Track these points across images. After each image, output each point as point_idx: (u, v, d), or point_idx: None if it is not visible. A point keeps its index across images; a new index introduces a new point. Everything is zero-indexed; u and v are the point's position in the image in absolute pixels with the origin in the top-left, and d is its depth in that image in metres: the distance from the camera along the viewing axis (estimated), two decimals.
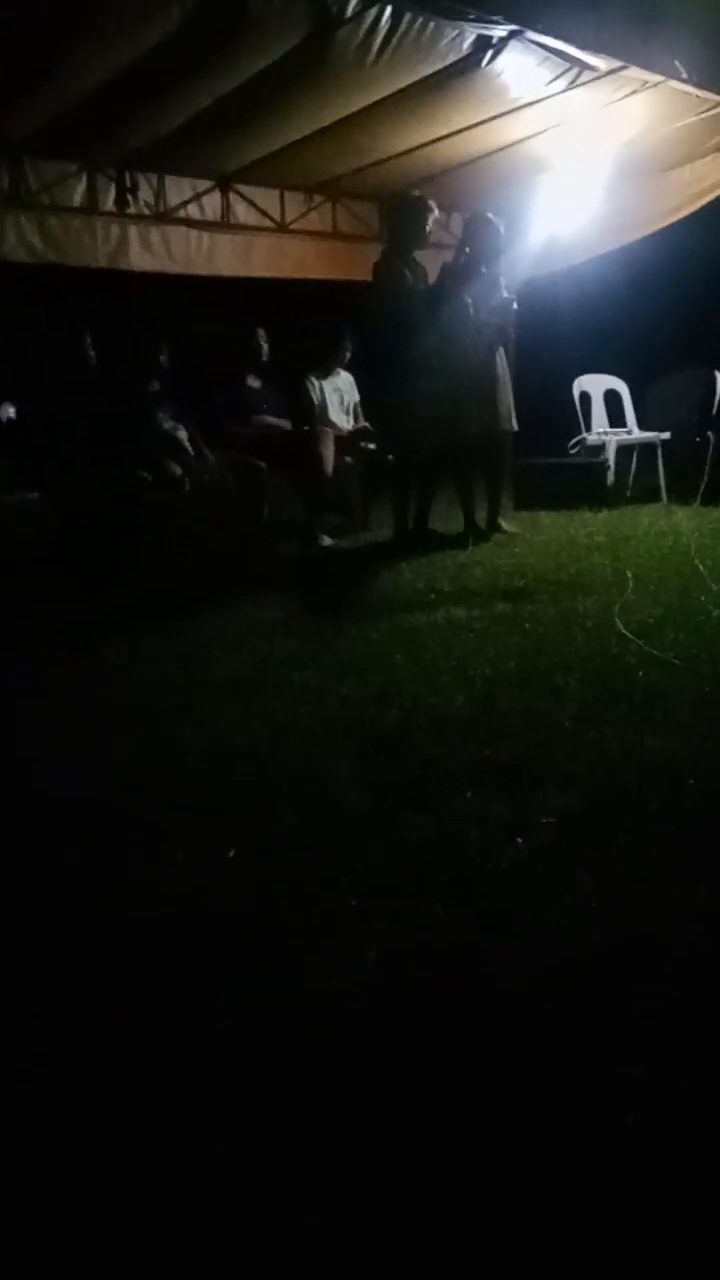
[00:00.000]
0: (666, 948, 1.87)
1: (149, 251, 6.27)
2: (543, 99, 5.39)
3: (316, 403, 6.81)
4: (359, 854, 2.26)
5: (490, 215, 6.06)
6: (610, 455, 7.39)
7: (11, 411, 5.58)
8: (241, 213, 6.64)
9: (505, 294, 6.08)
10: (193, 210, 6.41)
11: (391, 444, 6.37)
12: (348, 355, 6.96)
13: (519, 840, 2.29)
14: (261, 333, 6.68)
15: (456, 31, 4.55)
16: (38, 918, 2.07)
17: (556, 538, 6.01)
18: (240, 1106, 1.53)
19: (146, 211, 6.17)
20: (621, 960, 1.83)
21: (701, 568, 4.84)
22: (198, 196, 6.40)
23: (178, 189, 6.29)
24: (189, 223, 6.41)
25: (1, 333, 3.97)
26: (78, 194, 5.87)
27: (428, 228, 5.95)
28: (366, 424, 6.95)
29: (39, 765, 2.88)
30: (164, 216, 6.27)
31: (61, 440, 5.33)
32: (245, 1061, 1.62)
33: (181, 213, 6.35)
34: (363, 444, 6.82)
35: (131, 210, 6.08)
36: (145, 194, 6.12)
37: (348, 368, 7.05)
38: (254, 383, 6.67)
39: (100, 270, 6.08)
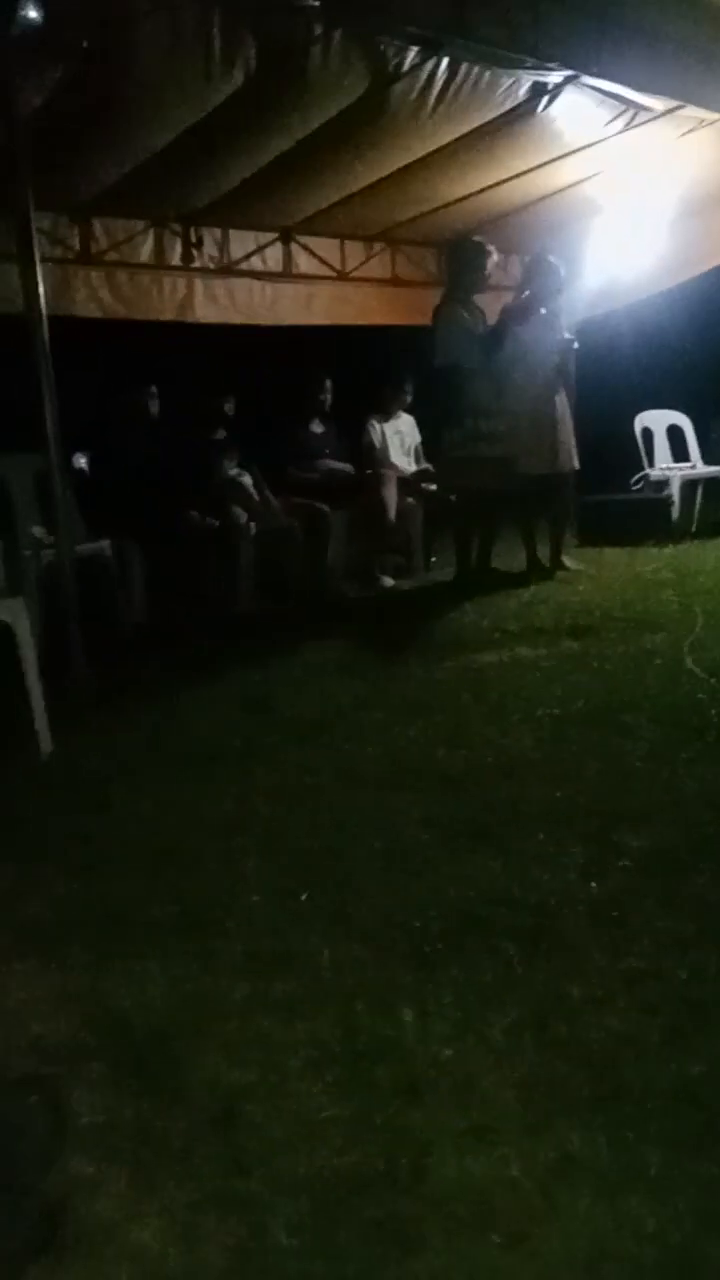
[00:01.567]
0: None
1: (214, 303, 6.43)
2: (600, 141, 5.43)
3: (378, 445, 6.88)
4: (432, 896, 2.25)
5: (550, 257, 6.09)
6: (674, 490, 7.33)
7: (83, 461, 5.73)
8: (303, 262, 6.78)
9: (565, 334, 6.10)
10: (256, 262, 6.56)
11: (451, 484, 6.39)
12: (408, 398, 7.04)
13: (593, 883, 2.27)
14: (325, 379, 6.78)
15: (513, 79, 4.61)
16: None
17: (622, 574, 5.97)
18: None
19: (211, 265, 6.34)
20: (704, 1007, 1.79)
21: None
22: (261, 249, 6.56)
23: (241, 242, 6.45)
24: (253, 274, 6.56)
25: (74, 385, 4.11)
26: (145, 250, 6.06)
27: (487, 272, 6.00)
28: (428, 465, 7.00)
29: (112, 807, 2.93)
30: (228, 269, 6.43)
31: (130, 489, 5.45)
32: None
33: (245, 265, 6.50)
34: (424, 485, 6.86)
35: (197, 264, 6.25)
36: (210, 248, 6.28)
37: (409, 410, 7.12)
38: (317, 428, 6.76)
39: (167, 322, 6.24)
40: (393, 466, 6.81)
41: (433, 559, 6.95)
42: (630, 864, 2.34)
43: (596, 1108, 1.56)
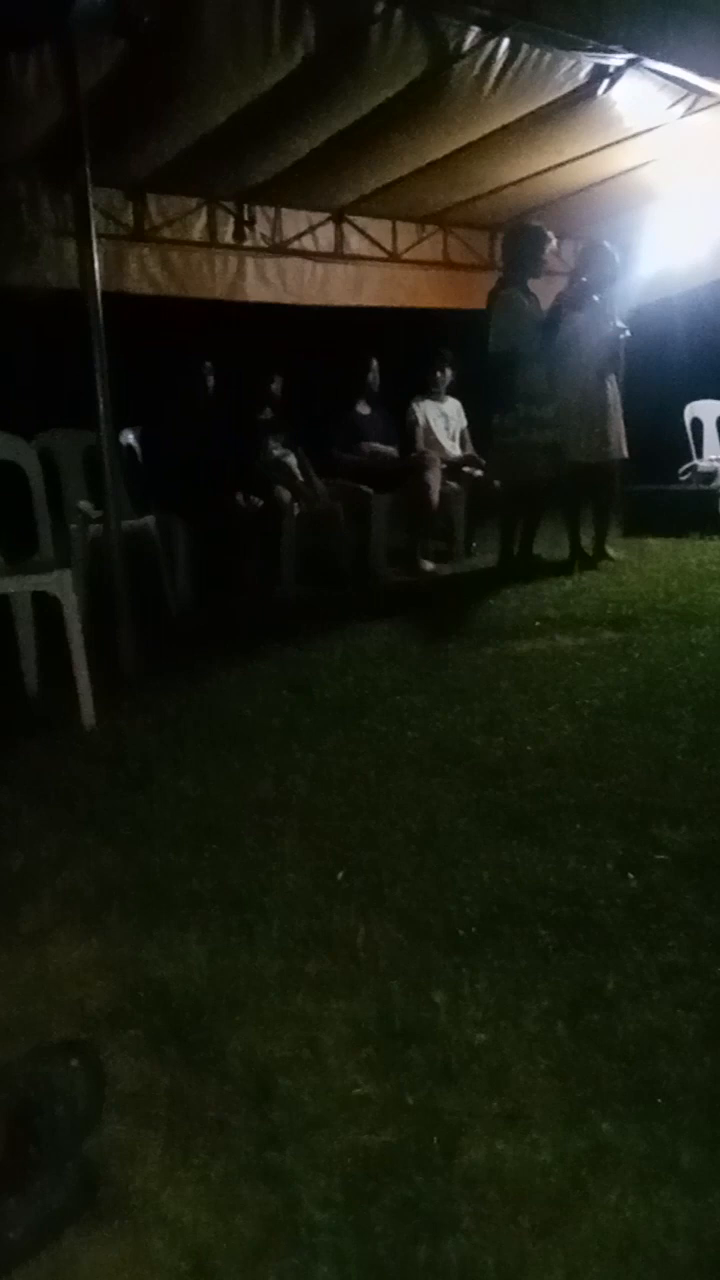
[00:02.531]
0: None
1: (265, 282, 6.44)
2: (659, 126, 5.36)
3: (421, 427, 6.85)
4: (468, 882, 2.26)
5: (606, 243, 6.02)
6: None
7: (132, 437, 5.76)
8: (355, 243, 6.76)
9: (617, 321, 6.04)
10: (307, 242, 6.56)
11: (499, 470, 6.36)
12: (448, 378, 6.98)
13: (631, 876, 2.26)
14: (372, 361, 6.76)
15: (573, 61, 4.56)
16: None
17: (666, 566, 5.92)
18: None
19: (263, 244, 6.34)
20: None
21: None
22: (313, 228, 6.55)
23: (294, 221, 6.45)
24: (304, 254, 6.56)
25: (124, 362, 4.14)
26: (198, 228, 6.07)
27: (544, 257, 5.94)
28: (473, 453, 6.97)
29: (154, 782, 2.96)
30: (280, 248, 6.43)
31: (177, 467, 5.48)
32: None
33: (297, 244, 6.50)
34: (468, 469, 6.84)
35: (249, 243, 6.25)
36: (263, 227, 6.29)
37: (455, 394, 7.09)
38: (363, 409, 6.75)
39: (218, 301, 6.25)
40: (437, 449, 6.78)
41: (474, 544, 6.93)
42: (669, 859, 2.33)
43: (629, 1100, 1.57)
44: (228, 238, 6.19)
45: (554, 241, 6.00)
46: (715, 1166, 1.42)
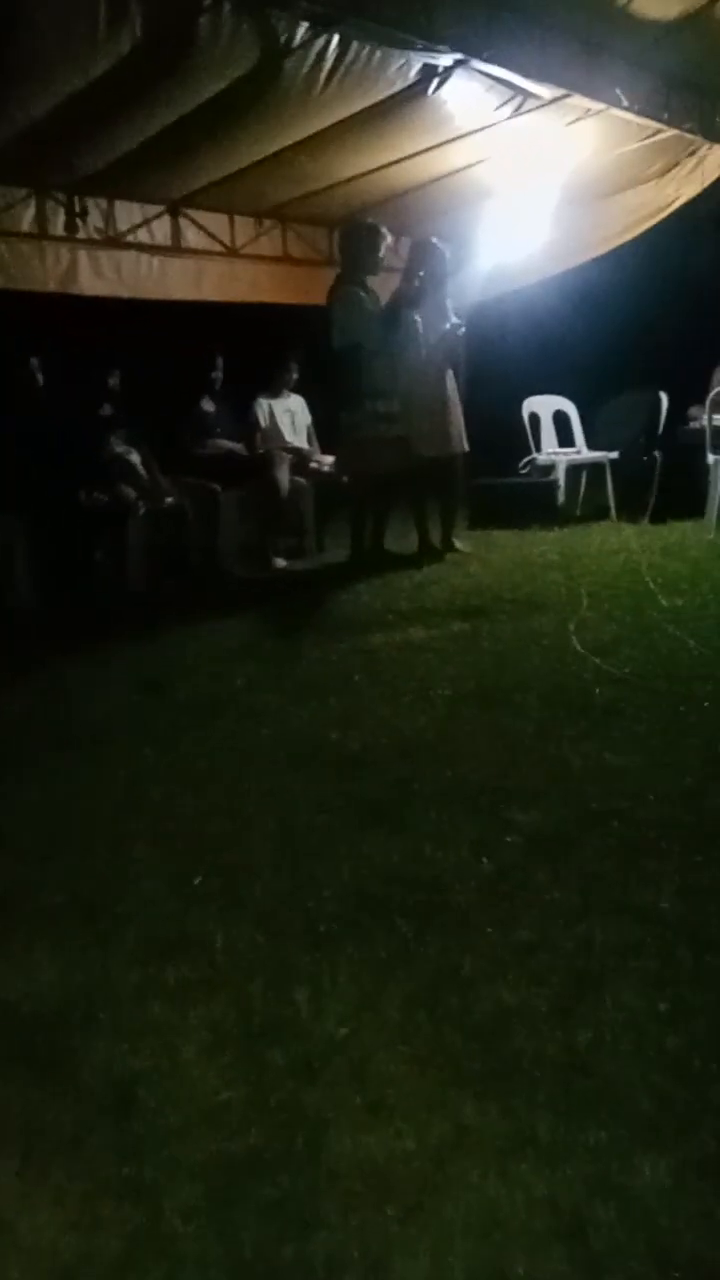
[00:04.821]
0: (637, 960, 1.89)
1: (99, 276, 6.26)
2: (488, 126, 5.48)
3: (264, 424, 6.81)
4: (327, 876, 2.26)
5: (435, 240, 6.13)
6: (560, 475, 7.48)
7: None
8: (192, 237, 6.66)
9: (454, 318, 6.15)
10: (143, 235, 6.41)
11: (348, 465, 6.38)
12: (294, 376, 6.98)
13: (485, 859, 2.31)
14: (216, 356, 6.69)
15: (403, 60, 4.61)
16: None
17: (510, 556, 6.07)
18: None
19: (96, 236, 6.16)
20: (591, 976, 1.85)
21: (653, 585, 4.92)
22: (148, 221, 6.41)
23: (128, 213, 6.29)
24: (139, 247, 6.41)
25: None
26: (26, 219, 5.85)
27: (381, 254, 6.00)
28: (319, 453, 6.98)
29: None
30: (114, 241, 6.26)
31: (12, 464, 5.29)
32: None
33: (132, 237, 6.35)
34: (314, 464, 6.84)
35: (81, 235, 6.06)
36: (95, 219, 6.10)
37: (299, 390, 7.08)
38: (208, 406, 6.66)
39: (50, 294, 6.05)
40: (283, 444, 6.76)
41: (325, 540, 6.94)
42: (520, 839, 2.40)
43: (488, 1079, 1.60)
44: (59, 229, 5.98)
45: (390, 238, 6.06)
46: (570, 1136, 1.47)
